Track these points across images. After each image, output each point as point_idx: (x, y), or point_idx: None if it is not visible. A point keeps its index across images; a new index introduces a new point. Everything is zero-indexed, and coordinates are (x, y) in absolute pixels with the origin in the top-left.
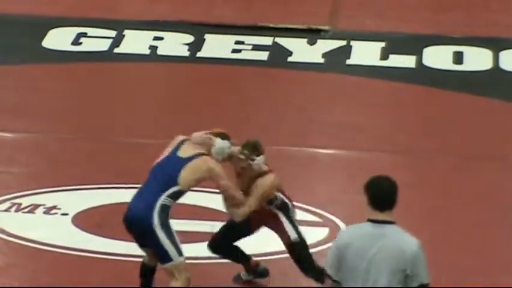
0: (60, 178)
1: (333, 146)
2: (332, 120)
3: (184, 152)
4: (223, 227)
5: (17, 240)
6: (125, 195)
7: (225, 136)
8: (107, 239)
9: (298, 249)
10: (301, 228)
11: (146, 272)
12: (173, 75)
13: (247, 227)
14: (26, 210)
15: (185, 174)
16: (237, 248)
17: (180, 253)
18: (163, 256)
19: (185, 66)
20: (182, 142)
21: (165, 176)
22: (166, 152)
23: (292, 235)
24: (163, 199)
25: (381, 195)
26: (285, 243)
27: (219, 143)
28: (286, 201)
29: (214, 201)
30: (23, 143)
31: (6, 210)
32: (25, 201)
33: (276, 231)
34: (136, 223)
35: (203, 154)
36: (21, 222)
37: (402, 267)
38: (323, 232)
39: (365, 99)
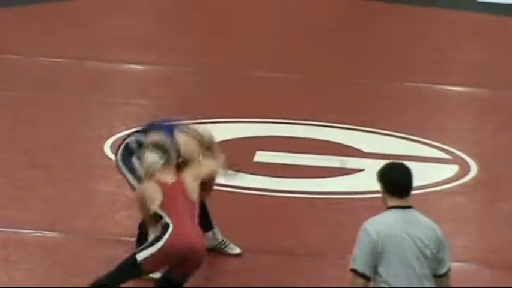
0: (190, 111)
1: (464, 84)
2: (462, 58)
3: None
4: None
5: None
6: (254, 129)
7: None
8: (238, 172)
9: None
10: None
11: None
12: (303, 8)
13: None
14: None
15: None
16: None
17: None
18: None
19: (317, 0)
20: None
21: None
22: None
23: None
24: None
25: (402, 184)
26: None
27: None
28: None
29: (343, 136)
30: (153, 76)
31: None
32: None
33: None
34: None
35: None
36: None
37: (437, 249)
38: (452, 169)
39: (495, 37)
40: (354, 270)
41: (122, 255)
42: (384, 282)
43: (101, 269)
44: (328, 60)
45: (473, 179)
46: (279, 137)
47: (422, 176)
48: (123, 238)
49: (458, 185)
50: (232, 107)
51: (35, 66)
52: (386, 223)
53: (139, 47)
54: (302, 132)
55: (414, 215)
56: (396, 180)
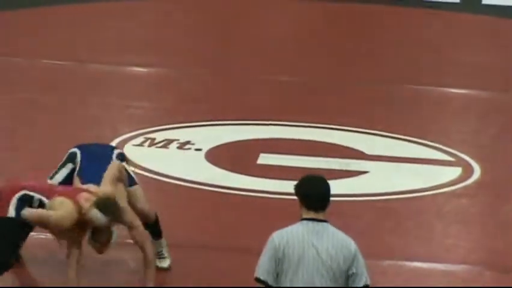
0: (194, 113)
1: (467, 86)
2: (466, 60)
3: None
4: None
5: (150, 175)
6: (258, 131)
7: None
8: (241, 175)
9: None
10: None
11: None
12: (309, 13)
13: None
14: (159, 145)
15: None
16: None
17: None
18: None
19: (321, 4)
20: None
21: None
22: None
23: None
24: None
25: (317, 197)
26: None
27: None
28: None
29: (347, 138)
30: (156, 78)
31: (140, 144)
32: (159, 136)
33: None
34: None
35: None
36: (155, 157)
37: (348, 265)
38: (455, 171)
39: (500, 40)
40: (256, 278)
41: (125, 257)
42: None
43: (104, 272)
44: (331, 63)
45: (476, 181)
46: (283, 139)
47: (425, 178)
48: (125, 240)
49: (461, 187)
50: (235, 110)
51: (37, 69)
52: (293, 232)
53: (142, 49)
54: (306, 134)
55: (327, 228)
56: (312, 194)
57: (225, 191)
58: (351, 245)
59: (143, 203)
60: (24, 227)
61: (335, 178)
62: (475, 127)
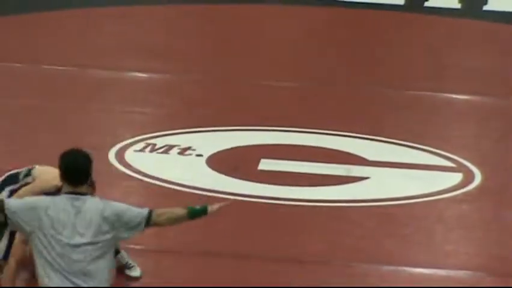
0: (195, 119)
1: (468, 91)
2: (467, 66)
3: None
4: None
5: (151, 181)
6: (259, 137)
7: None
8: (242, 180)
9: None
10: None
11: None
12: (309, 18)
13: None
14: (160, 150)
15: None
16: None
17: None
18: None
19: (321, 9)
20: None
21: None
22: None
23: None
24: None
25: (77, 171)
26: None
27: None
28: None
29: (348, 144)
30: (157, 84)
31: (141, 150)
32: (160, 142)
33: None
34: None
35: None
36: (156, 163)
37: (111, 226)
38: (456, 177)
39: (501, 45)
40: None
41: (128, 262)
42: (42, 274)
43: None
44: (331, 68)
45: (477, 187)
46: (284, 145)
47: (426, 184)
48: (128, 246)
49: (462, 193)
50: (236, 115)
51: (38, 74)
52: (57, 203)
53: (143, 55)
54: (307, 140)
55: (85, 201)
56: (70, 167)
57: (226, 197)
58: (108, 208)
59: None
60: None
61: (337, 184)
62: (476, 132)
